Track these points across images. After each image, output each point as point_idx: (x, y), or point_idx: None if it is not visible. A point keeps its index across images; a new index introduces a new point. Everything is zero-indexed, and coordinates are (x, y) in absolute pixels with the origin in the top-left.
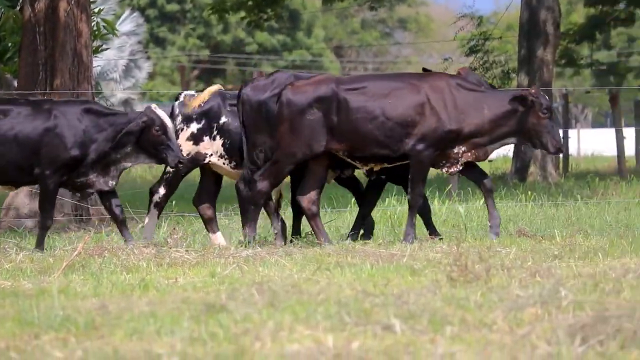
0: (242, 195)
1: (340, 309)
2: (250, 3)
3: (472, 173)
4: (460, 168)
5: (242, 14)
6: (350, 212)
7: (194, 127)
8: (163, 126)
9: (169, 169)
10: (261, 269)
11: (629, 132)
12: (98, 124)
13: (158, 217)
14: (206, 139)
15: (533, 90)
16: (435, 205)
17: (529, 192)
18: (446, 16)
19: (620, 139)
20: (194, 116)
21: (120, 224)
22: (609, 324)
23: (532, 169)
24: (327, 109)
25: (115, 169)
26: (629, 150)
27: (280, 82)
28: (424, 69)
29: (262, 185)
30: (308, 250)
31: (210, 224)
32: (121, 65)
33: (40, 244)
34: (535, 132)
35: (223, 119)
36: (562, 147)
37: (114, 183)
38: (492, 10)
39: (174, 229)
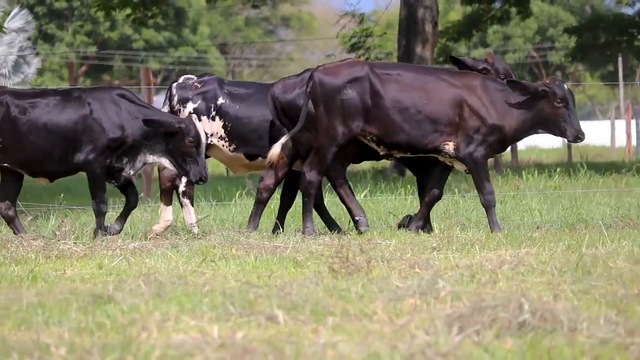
0: (301, 182)
1: (225, 299)
2: (135, 0)
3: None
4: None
5: (128, 11)
6: (235, 205)
7: (191, 106)
8: (197, 139)
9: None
10: (148, 261)
11: None
12: (132, 111)
13: (192, 204)
14: (204, 118)
15: (547, 81)
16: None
17: (408, 186)
18: (328, 14)
19: None
20: (190, 97)
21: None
22: (485, 314)
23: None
24: (361, 90)
25: (141, 160)
26: None
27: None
28: (452, 57)
29: (310, 175)
30: (194, 243)
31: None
32: (10, 61)
33: (102, 228)
34: (553, 122)
35: (220, 100)
36: (581, 135)
37: (132, 172)
38: (373, 9)
39: (62, 221)
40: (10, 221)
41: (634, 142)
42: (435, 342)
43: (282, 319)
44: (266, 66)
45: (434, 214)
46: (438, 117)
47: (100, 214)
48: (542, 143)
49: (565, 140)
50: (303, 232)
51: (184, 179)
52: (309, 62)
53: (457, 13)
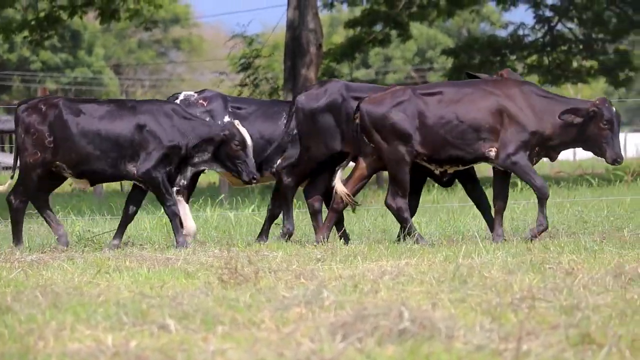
0: (392, 213)
1: (119, 309)
2: (33, 23)
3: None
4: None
5: (26, 33)
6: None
7: None
8: (243, 142)
9: None
10: (45, 273)
11: None
12: (182, 124)
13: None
14: None
15: (597, 102)
16: (207, 212)
17: (295, 200)
18: (217, 36)
19: None
20: (197, 114)
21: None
22: (368, 322)
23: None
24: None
25: (190, 170)
26: None
27: (333, 91)
28: (468, 73)
29: (397, 203)
30: (89, 255)
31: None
32: None
33: (178, 232)
34: (596, 142)
35: (226, 118)
36: (619, 159)
37: (184, 182)
38: (261, 31)
39: None
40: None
41: None
42: (320, 349)
43: (173, 328)
44: (158, 86)
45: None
46: (485, 125)
47: (174, 216)
48: None
49: None
50: (418, 243)
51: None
52: (199, 82)
53: (340, 36)
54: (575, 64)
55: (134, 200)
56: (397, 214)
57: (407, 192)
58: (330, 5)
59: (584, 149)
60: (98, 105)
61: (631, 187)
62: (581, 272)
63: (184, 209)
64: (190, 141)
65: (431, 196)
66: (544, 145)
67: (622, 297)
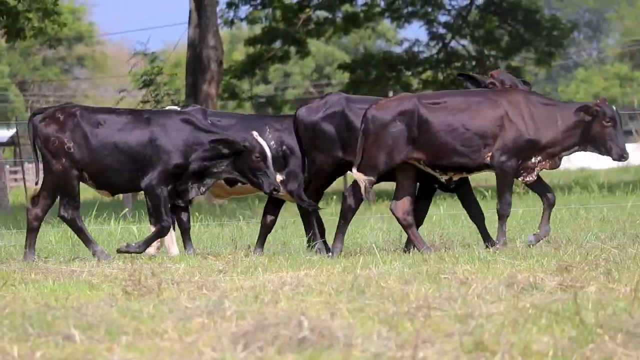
0: (397, 219)
1: (25, 321)
2: None
3: (537, 186)
4: (535, 178)
5: None
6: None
7: None
8: (263, 154)
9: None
10: None
11: None
12: (198, 136)
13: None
14: None
15: (599, 101)
16: (111, 225)
17: (197, 214)
18: (120, 53)
19: None
20: None
21: (184, 232)
22: (268, 332)
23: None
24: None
25: (210, 180)
26: None
27: (333, 103)
28: (462, 75)
29: (350, 200)
30: None
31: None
32: None
33: (145, 245)
34: (600, 140)
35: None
36: (625, 154)
37: (204, 190)
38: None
39: None
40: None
41: None
42: (221, 359)
43: (78, 339)
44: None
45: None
46: (485, 132)
47: (161, 233)
48: None
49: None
50: (419, 250)
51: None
52: (103, 98)
53: (241, 53)
54: None
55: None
56: (345, 210)
57: (411, 197)
58: (231, 23)
59: (589, 150)
60: (116, 115)
61: (523, 199)
62: (475, 282)
63: (171, 235)
64: (205, 152)
65: (330, 209)
66: (545, 153)
67: (514, 305)
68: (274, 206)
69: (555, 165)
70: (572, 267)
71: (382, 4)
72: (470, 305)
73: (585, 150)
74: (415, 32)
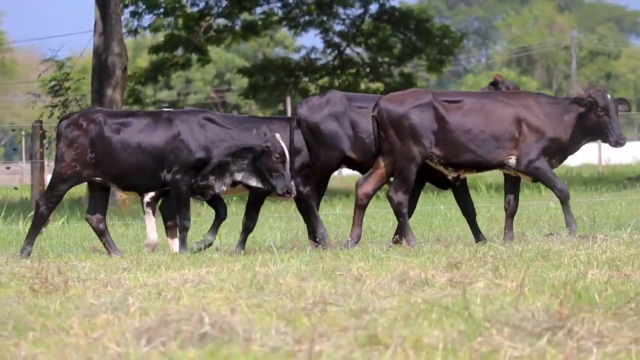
0: (392, 206)
1: None
2: None
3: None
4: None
5: None
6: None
7: None
8: (283, 155)
9: None
10: None
11: None
12: (219, 133)
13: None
14: None
15: (591, 92)
16: (20, 225)
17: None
18: (30, 60)
19: None
20: None
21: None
22: (171, 327)
23: None
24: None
25: (230, 177)
26: None
27: (335, 102)
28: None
29: (397, 197)
30: None
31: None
32: None
33: (183, 245)
34: (598, 129)
35: None
36: (622, 140)
37: (224, 189)
38: (70, 55)
39: None
40: (102, 235)
41: None
42: (125, 353)
43: None
44: None
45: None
46: (499, 135)
47: (184, 229)
48: None
49: None
50: (408, 243)
51: (150, 193)
52: (12, 103)
53: (145, 59)
54: (363, 86)
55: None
56: (397, 208)
57: (410, 189)
58: (135, 32)
59: (590, 140)
60: (135, 118)
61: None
62: (369, 278)
63: (151, 222)
64: (226, 149)
65: (230, 208)
66: (557, 150)
67: (406, 301)
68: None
69: (562, 161)
70: (462, 264)
71: (280, 12)
72: (364, 300)
73: (589, 142)
74: (311, 40)
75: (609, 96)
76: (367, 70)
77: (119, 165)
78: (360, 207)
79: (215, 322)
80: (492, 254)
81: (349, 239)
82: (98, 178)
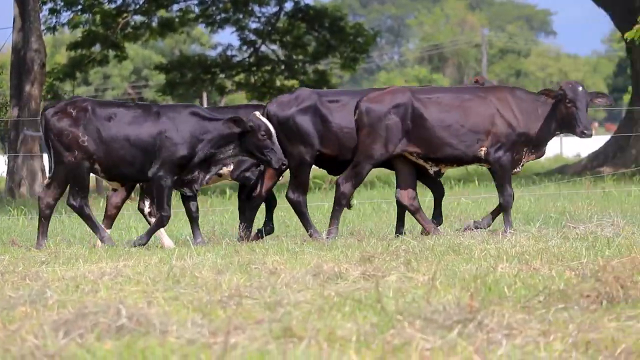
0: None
1: None
2: None
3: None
4: (520, 169)
5: None
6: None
7: None
8: (268, 131)
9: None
10: None
11: None
12: (203, 126)
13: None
14: None
15: (562, 85)
16: None
17: (21, 207)
18: None
19: None
20: None
21: (193, 221)
22: (88, 319)
23: (23, 188)
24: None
25: (216, 168)
26: None
27: (305, 97)
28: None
29: (344, 187)
30: None
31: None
32: None
33: (148, 236)
34: (568, 120)
35: None
36: (587, 131)
37: (208, 178)
38: None
39: None
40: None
41: None
42: (43, 345)
43: None
44: None
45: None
46: (479, 128)
47: (160, 224)
48: None
49: None
50: (327, 235)
51: (147, 201)
52: None
53: (63, 56)
54: (278, 83)
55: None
56: (339, 196)
57: (359, 185)
58: (53, 29)
59: (562, 131)
60: (125, 109)
61: (329, 194)
62: (284, 272)
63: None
64: (212, 141)
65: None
66: (531, 144)
67: (320, 294)
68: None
69: (541, 155)
70: (374, 258)
71: (196, 10)
72: (279, 293)
73: (561, 133)
74: (228, 37)
75: (580, 88)
76: (282, 67)
77: (108, 154)
78: (417, 211)
79: (132, 314)
80: (405, 248)
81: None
82: (95, 165)
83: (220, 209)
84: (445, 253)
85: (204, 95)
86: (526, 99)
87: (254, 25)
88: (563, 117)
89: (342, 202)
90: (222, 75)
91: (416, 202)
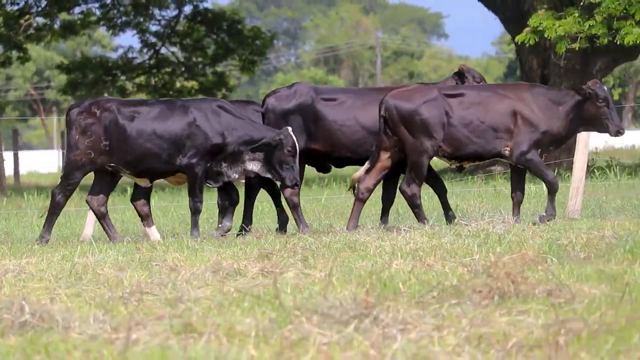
0: (405, 197)
1: None
2: None
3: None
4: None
5: None
6: None
7: None
8: (294, 148)
9: None
10: None
11: (8, 155)
12: (232, 121)
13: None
14: None
15: (590, 84)
16: None
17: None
18: None
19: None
20: None
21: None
22: None
23: None
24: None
25: (242, 166)
26: (9, 170)
27: (302, 92)
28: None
29: (411, 189)
30: None
31: (146, 219)
32: None
33: (196, 227)
34: (598, 120)
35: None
36: (621, 130)
37: (236, 176)
38: None
39: None
40: (102, 217)
41: None
42: None
43: None
44: None
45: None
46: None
47: (196, 212)
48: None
49: None
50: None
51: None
52: None
53: None
54: (178, 84)
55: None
56: (411, 200)
57: (422, 181)
58: None
59: (589, 130)
60: (149, 106)
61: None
62: (184, 269)
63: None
64: (238, 137)
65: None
66: (552, 141)
67: (220, 290)
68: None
69: (556, 150)
70: (273, 255)
71: (98, 13)
72: (179, 290)
73: (584, 131)
74: (129, 39)
75: (606, 87)
76: (182, 69)
77: (134, 151)
78: (361, 201)
79: (35, 311)
80: (302, 245)
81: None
82: (112, 164)
83: (121, 207)
84: (342, 250)
85: (105, 96)
86: (546, 96)
87: (154, 28)
88: (593, 116)
89: (417, 203)
90: (123, 77)
91: (297, 199)
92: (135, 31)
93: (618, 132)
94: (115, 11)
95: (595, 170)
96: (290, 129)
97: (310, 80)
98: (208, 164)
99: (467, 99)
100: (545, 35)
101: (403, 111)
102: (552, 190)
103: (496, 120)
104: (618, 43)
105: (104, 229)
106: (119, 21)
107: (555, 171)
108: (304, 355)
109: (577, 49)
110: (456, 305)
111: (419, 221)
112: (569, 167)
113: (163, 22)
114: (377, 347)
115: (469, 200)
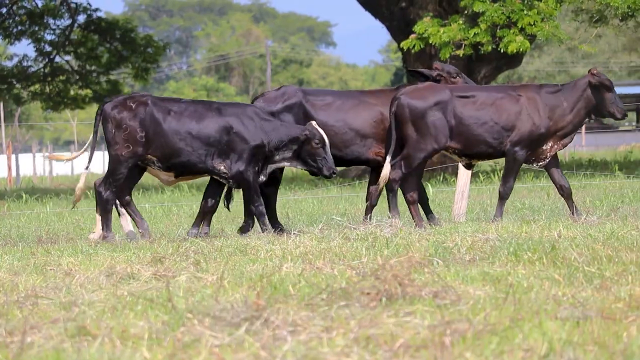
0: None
1: None
2: None
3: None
4: (547, 162)
5: None
6: None
7: None
8: (322, 140)
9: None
10: None
11: None
12: (264, 125)
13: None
14: None
15: (595, 72)
16: None
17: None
18: None
19: None
20: None
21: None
22: None
23: None
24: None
25: (270, 167)
26: None
27: (290, 95)
28: (410, 70)
29: (394, 174)
30: None
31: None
32: None
33: (265, 228)
34: (604, 106)
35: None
36: (626, 112)
37: (264, 179)
38: None
39: None
40: (127, 205)
41: (14, 173)
42: None
43: None
44: None
45: None
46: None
47: (261, 215)
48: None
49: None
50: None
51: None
52: None
53: None
54: (72, 92)
55: (212, 194)
56: (390, 184)
57: (410, 173)
58: None
59: (596, 116)
60: (185, 104)
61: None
62: (78, 273)
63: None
64: (272, 141)
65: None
66: (558, 135)
67: (113, 293)
68: (213, 191)
69: (569, 141)
70: (165, 259)
71: None
72: (74, 294)
73: (592, 118)
74: (24, 48)
75: (604, 74)
76: (77, 77)
77: (170, 145)
78: (413, 202)
79: None
80: (194, 249)
81: (389, 216)
82: (149, 155)
83: (17, 213)
84: (233, 254)
85: (0, 104)
86: (553, 93)
87: (49, 37)
88: (600, 102)
89: (393, 188)
90: (18, 85)
91: (415, 194)
92: (30, 40)
93: (624, 115)
94: (10, 20)
95: (479, 174)
96: (314, 123)
97: (202, 87)
98: (256, 167)
99: (479, 99)
100: (430, 42)
101: (414, 109)
102: (503, 196)
103: (507, 120)
104: (502, 51)
105: (131, 216)
106: (14, 30)
107: (441, 176)
108: (196, 357)
109: (461, 55)
110: (345, 307)
111: (390, 207)
112: (454, 172)
113: (58, 31)
114: (268, 348)
115: (357, 204)
